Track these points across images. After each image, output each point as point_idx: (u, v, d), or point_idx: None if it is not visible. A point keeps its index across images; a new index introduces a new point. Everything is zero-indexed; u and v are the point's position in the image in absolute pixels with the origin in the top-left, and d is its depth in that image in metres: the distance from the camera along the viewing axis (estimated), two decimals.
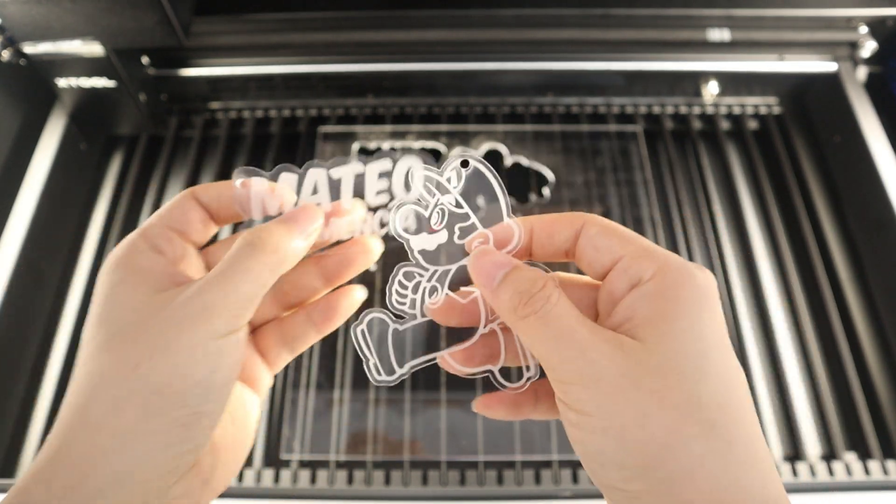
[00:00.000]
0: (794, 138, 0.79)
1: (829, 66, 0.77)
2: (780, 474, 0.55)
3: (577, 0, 0.75)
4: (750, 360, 0.64)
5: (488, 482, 0.55)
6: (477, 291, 0.28)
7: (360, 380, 0.62)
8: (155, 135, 0.80)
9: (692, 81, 0.81)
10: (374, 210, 0.29)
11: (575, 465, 0.56)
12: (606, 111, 0.82)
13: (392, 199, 0.29)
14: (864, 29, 0.76)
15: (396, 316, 0.29)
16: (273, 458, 0.59)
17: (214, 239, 0.31)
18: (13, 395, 0.62)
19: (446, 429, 0.59)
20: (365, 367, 0.28)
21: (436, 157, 0.78)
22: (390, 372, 0.28)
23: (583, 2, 0.75)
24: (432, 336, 0.29)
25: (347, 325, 0.30)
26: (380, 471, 0.56)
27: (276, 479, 0.56)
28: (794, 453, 0.59)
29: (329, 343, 0.64)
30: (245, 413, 0.30)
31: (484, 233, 0.28)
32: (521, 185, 0.76)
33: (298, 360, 0.64)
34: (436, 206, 0.28)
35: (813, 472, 0.56)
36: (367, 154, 0.29)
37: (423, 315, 0.28)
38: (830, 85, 0.77)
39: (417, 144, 0.79)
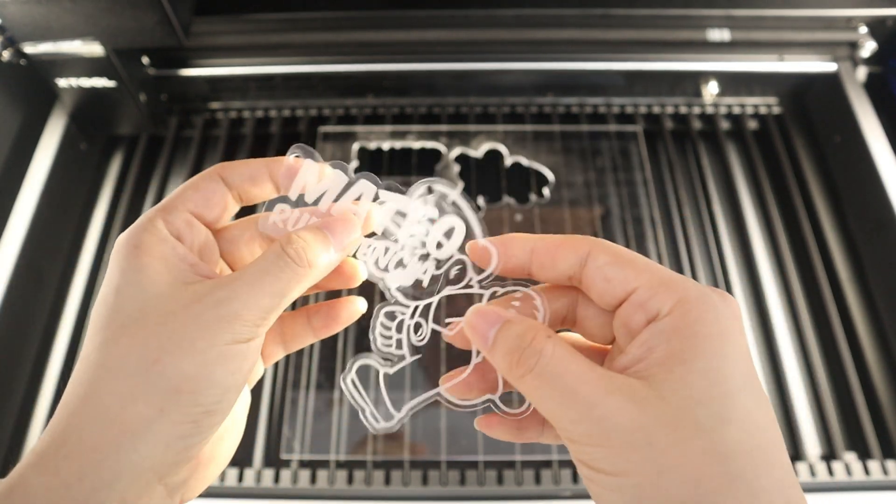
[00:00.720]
0: (794, 138, 0.79)
1: (828, 66, 0.77)
2: None
3: (577, 0, 0.75)
4: None
5: (488, 482, 0.55)
6: (463, 320, 0.27)
7: (361, 380, 0.62)
8: (155, 135, 0.80)
9: (692, 81, 0.81)
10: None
11: (575, 466, 0.56)
12: (606, 111, 0.82)
13: (423, 248, 0.28)
14: (863, 29, 0.76)
15: (385, 359, 0.28)
16: (273, 458, 0.59)
17: None
18: (13, 395, 0.62)
19: (446, 429, 0.59)
20: (361, 416, 0.28)
21: (436, 159, 0.78)
22: (388, 418, 0.28)
23: (583, 2, 0.75)
24: (426, 372, 0.28)
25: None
26: (380, 471, 0.56)
27: (276, 479, 0.56)
28: (794, 453, 0.59)
29: (329, 343, 0.64)
30: (241, 405, 0.30)
31: (460, 259, 0.28)
32: (521, 185, 0.76)
33: (298, 359, 0.64)
34: (407, 239, 0.28)
35: (813, 472, 0.56)
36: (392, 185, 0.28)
37: (411, 354, 0.28)
38: (830, 85, 0.77)
39: (417, 144, 0.79)
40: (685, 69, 0.78)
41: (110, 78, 0.69)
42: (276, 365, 0.63)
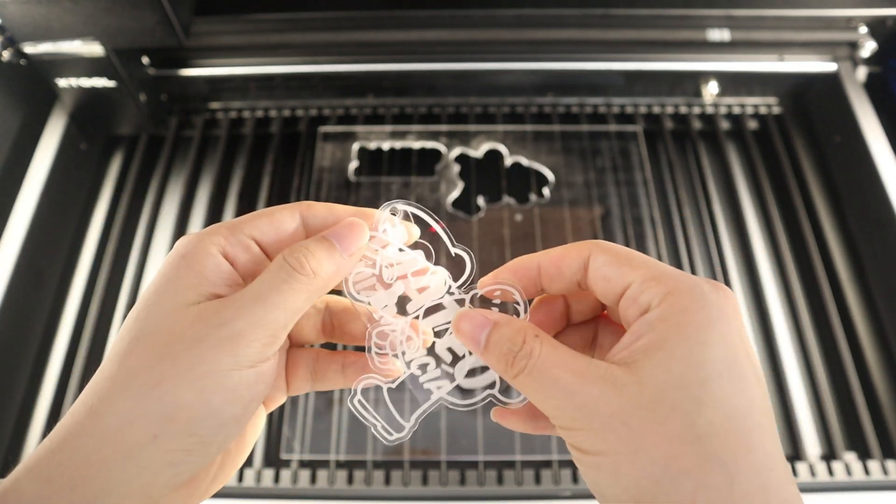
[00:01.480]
0: (794, 138, 0.79)
1: (828, 66, 0.77)
2: None
3: (577, 0, 0.75)
4: None
5: (488, 482, 0.55)
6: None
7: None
8: (155, 135, 0.80)
9: (692, 81, 0.81)
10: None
11: (575, 466, 0.56)
12: (606, 111, 0.82)
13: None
14: (863, 29, 0.76)
15: (385, 375, 0.29)
16: (273, 458, 0.59)
17: None
18: (13, 395, 0.62)
19: (446, 429, 0.59)
20: (374, 432, 0.29)
21: (436, 159, 0.78)
22: (399, 429, 0.29)
23: (583, 2, 0.75)
24: (412, 391, 0.29)
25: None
26: (380, 471, 0.56)
27: (276, 479, 0.56)
28: (794, 453, 0.59)
29: (329, 343, 0.64)
30: (251, 428, 0.29)
31: (439, 271, 0.29)
32: (521, 185, 0.76)
33: None
34: (382, 261, 0.28)
35: (813, 472, 0.56)
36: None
37: (408, 367, 0.29)
38: (830, 85, 0.77)
39: (417, 144, 0.79)
40: (685, 69, 0.78)
41: (110, 78, 0.69)
42: None
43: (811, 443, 0.60)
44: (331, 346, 0.57)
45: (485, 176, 0.77)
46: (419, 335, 0.28)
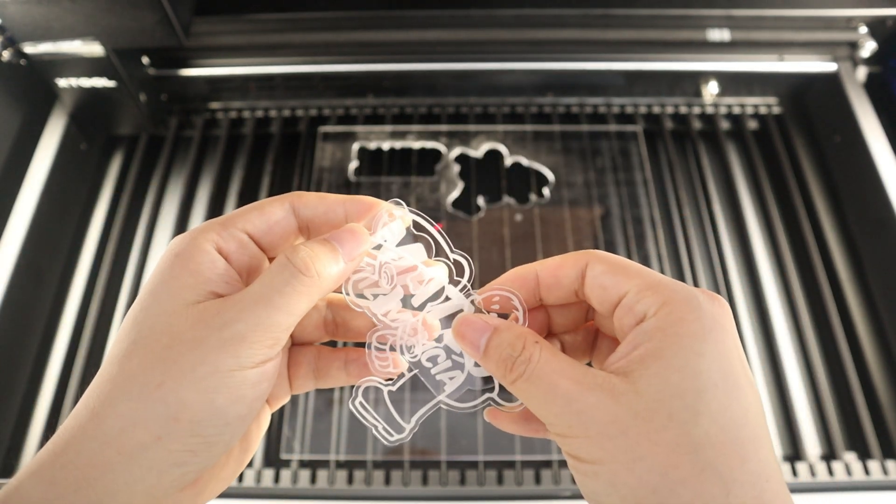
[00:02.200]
0: (794, 138, 0.79)
1: (828, 66, 0.77)
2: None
3: (577, 0, 0.76)
4: (750, 360, 0.64)
5: (488, 482, 0.55)
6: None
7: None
8: (155, 135, 0.80)
9: (692, 81, 0.81)
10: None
11: None
12: (606, 111, 0.82)
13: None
14: (863, 29, 0.76)
15: (386, 378, 0.29)
16: (273, 458, 0.59)
17: None
18: (13, 395, 0.62)
19: (446, 429, 0.59)
20: (375, 433, 0.29)
21: (436, 159, 0.78)
22: (400, 430, 0.29)
23: (583, 2, 0.75)
24: (425, 383, 0.29)
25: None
26: (380, 471, 0.56)
27: (276, 479, 0.56)
28: (794, 453, 0.59)
29: (329, 343, 0.64)
30: (256, 427, 0.29)
31: (441, 262, 0.29)
32: (521, 185, 0.76)
33: None
34: (380, 267, 0.28)
35: (813, 472, 0.56)
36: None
37: (409, 370, 0.29)
38: (830, 85, 0.77)
39: (417, 144, 0.79)
40: (685, 69, 0.78)
41: (110, 78, 0.69)
42: None
43: (811, 443, 0.60)
44: (331, 344, 0.57)
45: (485, 176, 0.77)
46: (425, 328, 0.28)
